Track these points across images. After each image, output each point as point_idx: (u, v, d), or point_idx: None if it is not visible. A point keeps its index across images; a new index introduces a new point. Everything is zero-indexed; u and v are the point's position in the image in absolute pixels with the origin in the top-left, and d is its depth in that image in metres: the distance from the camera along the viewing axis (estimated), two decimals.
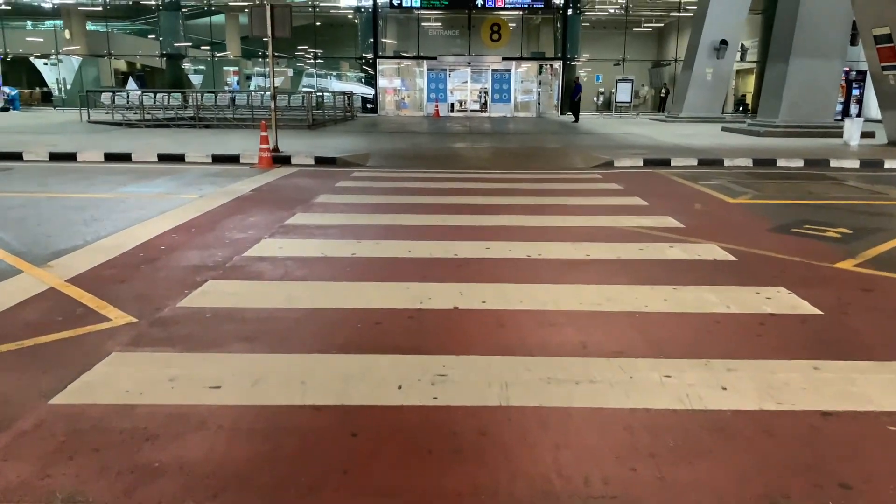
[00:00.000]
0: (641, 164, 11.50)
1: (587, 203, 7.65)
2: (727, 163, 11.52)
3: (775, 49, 17.78)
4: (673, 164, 11.50)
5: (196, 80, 35.06)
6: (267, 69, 34.91)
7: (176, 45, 30.63)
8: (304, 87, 32.43)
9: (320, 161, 11.49)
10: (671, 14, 33.35)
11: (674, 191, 8.72)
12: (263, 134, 10.88)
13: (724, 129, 19.59)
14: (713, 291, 4.32)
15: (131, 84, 32.72)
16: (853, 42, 17.34)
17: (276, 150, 11.87)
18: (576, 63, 31.09)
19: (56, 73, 31.02)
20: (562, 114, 29.87)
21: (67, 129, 17.06)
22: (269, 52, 11.68)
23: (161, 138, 14.72)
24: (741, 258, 5.23)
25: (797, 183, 9.59)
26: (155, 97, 26.58)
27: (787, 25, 17.10)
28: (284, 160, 11.44)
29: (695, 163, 11.54)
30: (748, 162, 11.52)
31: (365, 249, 5.39)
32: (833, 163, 11.54)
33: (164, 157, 11.49)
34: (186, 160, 11.44)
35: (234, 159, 11.48)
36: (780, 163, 11.52)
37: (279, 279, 4.56)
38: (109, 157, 11.42)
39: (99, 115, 20.64)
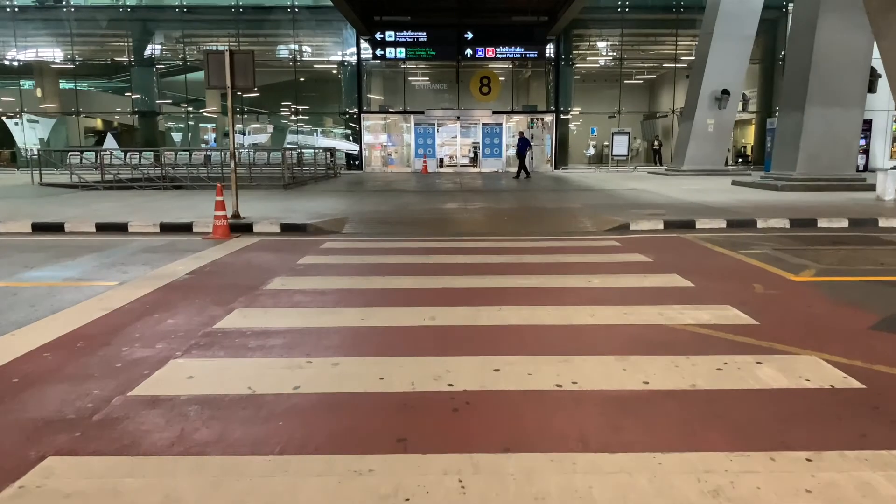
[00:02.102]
0: (662, 226, 9.91)
1: (615, 284, 5.97)
2: (761, 224, 9.95)
3: (788, 97, 16.54)
4: (698, 225, 9.92)
5: (177, 137, 33.73)
6: (250, 126, 33.77)
7: (151, 102, 29.33)
8: (288, 143, 31.09)
9: (287, 229, 9.82)
10: (664, 66, 32.53)
11: (716, 264, 7.07)
12: (219, 199, 9.23)
13: (734, 182, 18.19)
14: (873, 463, 2.60)
15: (109, 141, 31.32)
16: (871, 89, 16.11)
17: (236, 216, 10.21)
18: (569, 115, 30.00)
19: (22, 133, 29.53)
20: (556, 168, 28.58)
21: (12, 193, 15.37)
22: (228, 104, 10.14)
23: (112, 203, 13.05)
24: (869, 383, 3.54)
25: (857, 250, 7.98)
26: (125, 156, 25.16)
27: (800, 72, 15.89)
28: (245, 228, 9.77)
29: (723, 224, 9.95)
30: (784, 223, 9.95)
31: (316, 378, 3.64)
32: (882, 222, 10.00)
33: (103, 228, 9.79)
34: (130, 230, 9.74)
35: (185, 228, 9.79)
36: (822, 223, 9.96)
37: (167, 447, 2.80)
38: (38, 228, 9.70)
39: (54, 176, 19.00)
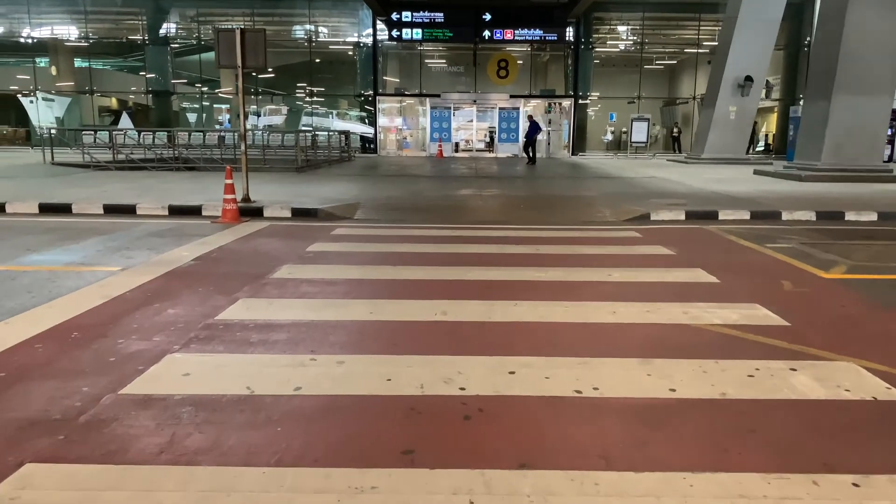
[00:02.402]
0: (683, 217, 9.59)
1: (636, 279, 5.70)
2: (786, 216, 9.60)
3: (814, 85, 16.03)
4: (721, 216, 9.59)
5: (192, 118, 33.60)
6: (265, 107, 33.52)
7: (165, 81, 29.17)
8: (302, 125, 30.84)
9: (298, 213, 9.60)
10: (686, 51, 31.87)
11: (741, 259, 6.76)
12: (228, 181, 9.02)
13: (756, 172, 17.73)
14: None
15: (125, 121, 31.24)
16: None
17: (246, 199, 10.00)
18: (587, 100, 29.50)
19: (37, 112, 29.48)
20: (573, 154, 28.16)
21: (23, 173, 15.27)
22: (239, 85, 9.90)
23: (124, 184, 12.90)
24: None
25: (889, 246, 7.65)
26: (139, 136, 25.06)
27: (828, 59, 15.37)
28: (255, 212, 9.56)
29: (747, 216, 9.61)
30: (810, 215, 9.59)
31: (319, 378, 3.42)
32: None
33: (111, 209, 9.62)
34: (138, 212, 9.56)
35: (194, 211, 9.60)
36: (849, 216, 9.59)
37: (156, 455, 2.59)
38: (45, 209, 9.55)
39: (67, 155, 18.91)
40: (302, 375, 3.45)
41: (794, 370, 3.59)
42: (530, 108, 28.74)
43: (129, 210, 9.59)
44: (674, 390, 3.31)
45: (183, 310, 4.66)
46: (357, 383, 3.35)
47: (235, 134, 27.64)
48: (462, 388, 3.29)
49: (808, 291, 5.37)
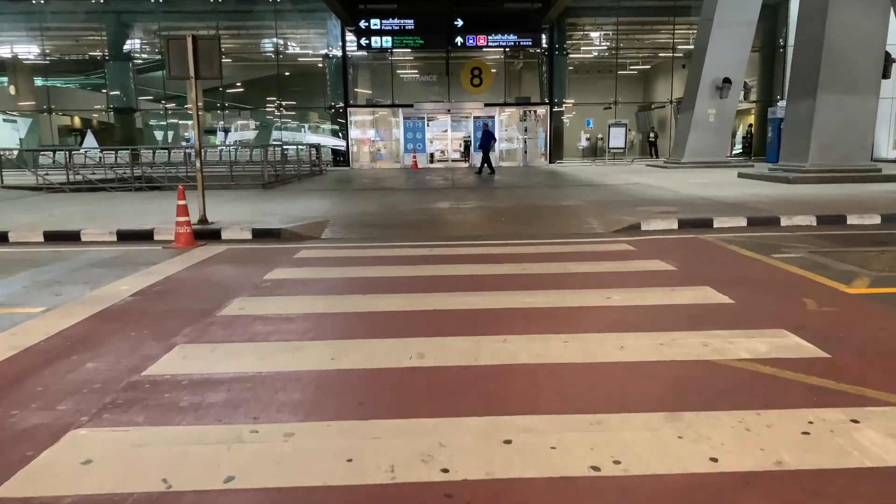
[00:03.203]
0: (676, 226, 8.95)
1: (640, 301, 4.99)
2: (785, 221, 9.00)
3: (797, 85, 15.60)
4: (716, 224, 8.96)
5: (159, 135, 32.50)
6: (236, 122, 32.53)
7: (128, 98, 28.10)
8: (273, 140, 29.92)
9: (259, 235, 8.79)
10: (660, 55, 31.57)
11: (750, 273, 6.10)
12: (181, 202, 8.19)
13: (741, 175, 17.25)
14: None
15: (89, 140, 30.11)
16: (885, 74, 15.18)
17: (203, 221, 9.18)
18: (563, 107, 28.99)
19: None
20: (550, 162, 27.61)
21: None
22: (192, 96, 9.08)
23: (74, 207, 11.97)
24: None
25: None
26: (101, 156, 24.01)
27: (811, 59, 14.96)
28: (212, 235, 8.74)
29: (743, 223, 8.99)
30: (811, 220, 9.01)
31: (259, 461, 2.64)
32: None
33: (52, 237, 8.73)
34: (83, 239, 8.68)
35: (146, 236, 8.75)
36: (852, 220, 9.03)
37: None
38: None
39: (19, 178, 17.86)
40: (237, 457, 2.66)
41: (857, 422, 2.88)
42: (506, 116, 28.17)
43: (72, 237, 8.71)
44: (716, 460, 2.58)
45: (105, 363, 3.85)
46: (307, 468, 2.57)
47: (204, 150, 26.87)
48: (445, 471, 2.53)
49: (836, 311, 4.70)
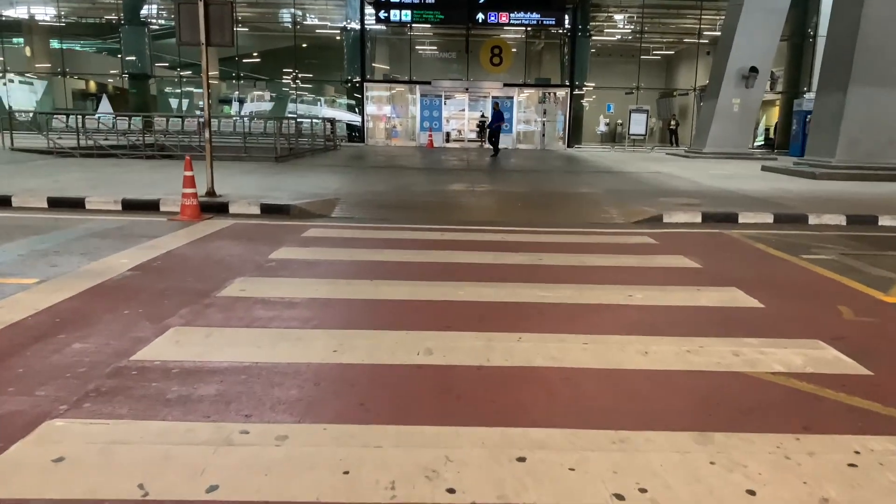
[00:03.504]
0: (699, 219, 8.61)
1: (664, 301, 4.70)
2: (813, 220, 8.64)
3: (828, 77, 15.08)
4: (741, 219, 8.61)
5: (174, 103, 32.28)
6: (252, 93, 32.21)
7: (143, 64, 27.78)
8: (289, 113, 29.61)
9: (268, 210, 8.54)
10: (685, 40, 30.87)
11: (779, 275, 5.78)
12: (187, 173, 7.93)
13: (764, 168, 16.80)
14: None
15: (104, 105, 29.92)
16: None
17: (210, 193, 8.93)
18: (583, 91, 28.42)
19: (6, 94, 28.04)
20: (569, 147, 27.13)
21: None
22: (203, 64, 8.77)
23: (82, 173, 11.77)
24: None
25: None
26: (114, 122, 23.83)
27: (844, 50, 14.42)
28: (219, 208, 8.50)
29: (769, 219, 8.64)
30: (840, 219, 8.64)
31: (246, 468, 2.39)
32: None
33: (56, 203, 8.52)
34: (87, 206, 8.47)
35: (151, 206, 8.53)
36: (884, 221, 8.65)
37: None
38: None
39: (30, 140, 17.67)
40: (224, 462, 2.42)
41: None
42: (524, 97, 27.67)
43: (76, 204, 8.50)
44: (753, 493, 2.31)
45: (94, 344, 3.62)
46: (299, 479, 2.33)
47: (218, 120, 26.54)
48: (451, 491, 2.27)
49: (875, 322, 4.39)
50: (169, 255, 5.87)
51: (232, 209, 8.51)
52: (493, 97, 27.07)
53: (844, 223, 8.58)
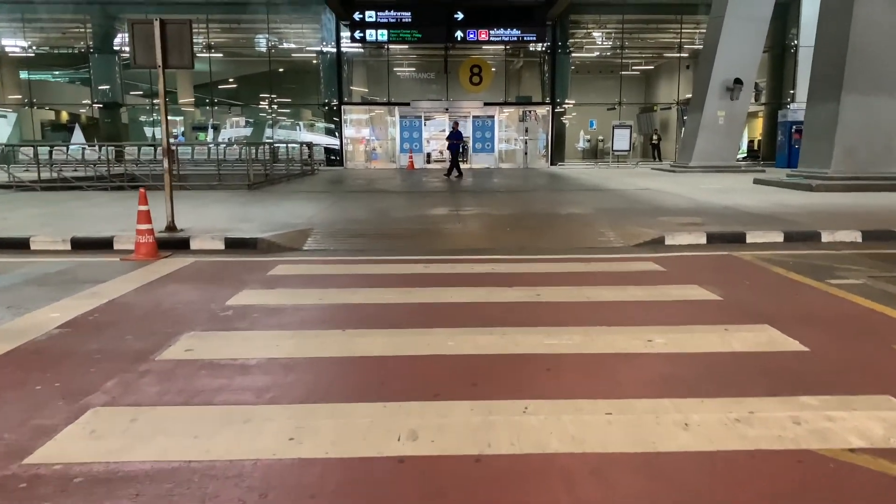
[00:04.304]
0: (704, 240, 7.94)
1: (692, 348, 3.97)
2: (826, 237, 8.00)
3: (819, 86, 14.62)
4: (749, 239, 7.96)
5: (148, 131, 31.34)
6: (231, 119, 31.36)
7: (114, 93, 26.94)
8: (266, 138, 28.83)
9: (233, 245, 7.75)
10: (665, 55, 30.60)
11: (809, 304, 5.09)
12: (142, 208, 7.14)
13: (757, 181, 16.28)
14: None
15: (78, 135, 28.97)
16: None
17: (170, 228, 8.14)
18: (565, 108, 27.95)
19: None
20: (552, 164, 26.60)
21: None
22: (160, 88, 8.02)
23: (39, 209, 10.91)
24: None
25: None
26: (83, 152, 23.04)
27: (835, 57, 13.98)
28: (180, 244, 7.70)
29: (779, 238, 8.00)
30: (855, 236, 8.01)
31: None
32: None
33: None
34: (32, 247, 7.63)
35: (104, 245, 7.70)
36: None
37: None
38: None
39: None
40: None
41: None
42: (505, 116, 27.12)
43: (20, 245, 7.65)
44: None
45: None
46: None
47: (192, 147, 25.74)
48: None
49: None
50: (111, 306, 5.06)
51: (193, 245, 7.71)
52: (474, 117, 26.52)
53: (860, 240, 7.95)
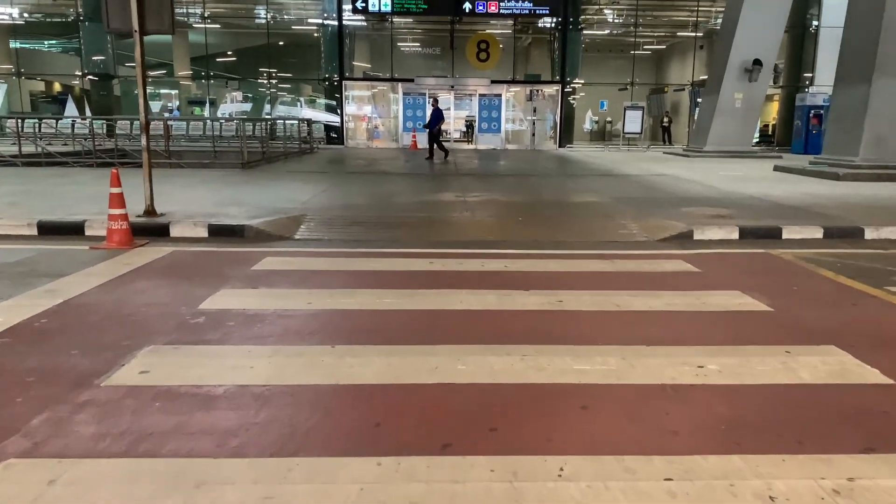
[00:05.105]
0: (736, 235, 7.21)
1: (749, 377, 3.28)
2: (870, 234, 7.28)
3: (848, 68, 13.80)
4: (785, 234, 7.23)
5: (155, 106, 30.37)
6: (231, 93, 30.41)
7: (106, 64, 26.02)
8: (265, 114, 27.96)
9: (217, 232, 7.04)
10: (679, 34, 29.60)
11: (876, 319, 4.38)
12: (114, 190, 6.42)
13: (777, 168, 15.50)
14: None
15: (70, 108, 28.12)
16: None
17: (150, 212, 7.41)
18: (575, 87, 27.01)
19: None
20: (560, 146, 25.75)
21: None
22: (137, 56, 7.23)
23: (11, 186, 10.17)
24: None
25: None
26: (73, 126, 22.27)
27: (866, 37, 13.16)
28: (159, 231, 6.99)
29: (819, 234, 7.27)
30: None
31: None
32: None
33: None
34: None
35: (74, 230, 6.99)
36: None
37: None
38: None
39: None
40: None
41: None
42: (512, 95, 26.20)
43: None
44: None
45: None
46: None
47: (186, 123, 24.88)
48: None
49: None
50: (64, 308, 4.36)
51: (174, 231, 7.01)
52: (480, 95, 25.62)
53: None
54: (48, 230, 6.94)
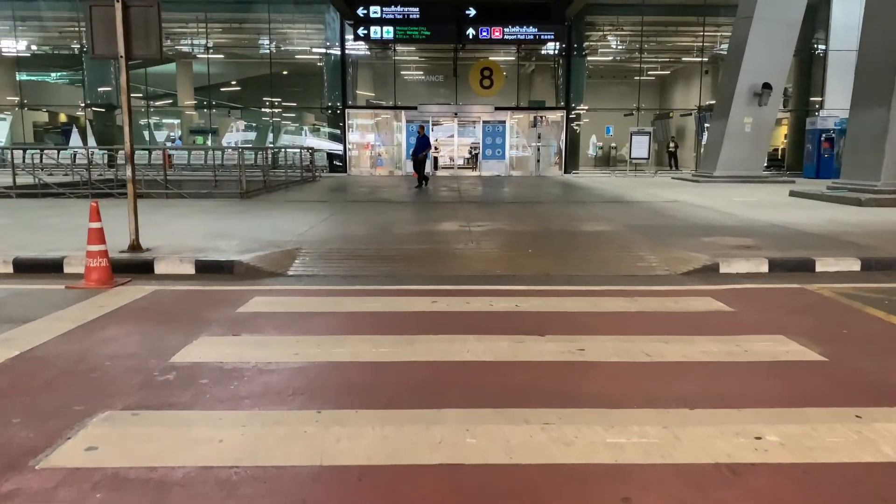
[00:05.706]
0: (766, 268, 6.66)
1: (818, 454, 2.71)
2: None
3: (865, 91, 13.35)
4: (818, 266, 6.68)
5: (160, 136, 30.17)
6: (237, 122, 30.18)
7: (107, 94, 25.82)
8: (269, 143, 27.66)
9: (205, 269, 6.53)
10: (683, 59, 29.34)
11: None
12: (94, 226, 5.95)
13: (793, 193, 14.96)
14: None
15: (75, 138, 27.93)
16: None
17: (134, 247, 6.92)
18: (579, 113, 26.68)
19: None
20: (566, 172, 25.32)
21: None
22: (122, 83, 6.80)
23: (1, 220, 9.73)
24: None
25: None
26: (73, 155, 22.03)
27: (882, 60, 12.73)
28: (143, 267, 6.48)
29: (856, 266, 6.72)
30: None
31: None
32: None
33: None
34: None
35: (52, 267, 6.50)
36: None
37: None
38: None
39: None
40: None
41: None
42: (515, 121, 25.87)
43: None
44: None
45: None
46: None
47: (188, 152, 24.63)
48: None
49: None
50: (18, 362, 3.84)
51: (158, 268, 6.50)
52: (484, 122, 25.29)
53: None
54: (25, 267, 6.45)
